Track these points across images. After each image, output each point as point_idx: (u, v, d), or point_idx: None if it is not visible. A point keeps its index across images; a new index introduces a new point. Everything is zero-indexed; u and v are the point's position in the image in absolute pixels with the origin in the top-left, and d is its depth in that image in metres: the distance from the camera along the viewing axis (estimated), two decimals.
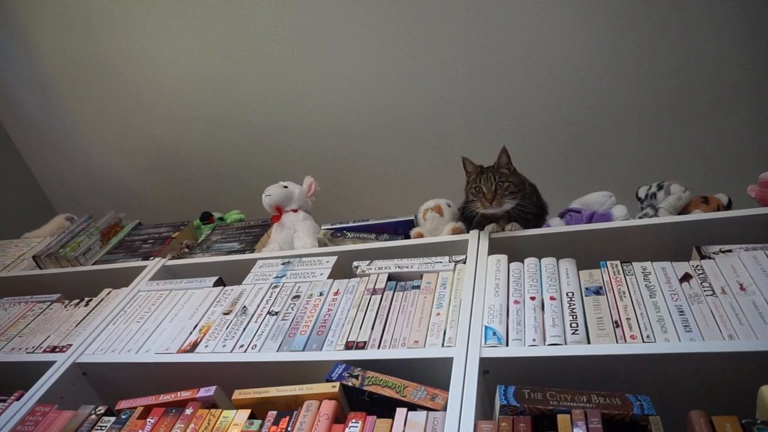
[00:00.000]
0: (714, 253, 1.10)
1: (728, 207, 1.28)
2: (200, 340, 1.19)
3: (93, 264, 1.70)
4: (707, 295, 0.98)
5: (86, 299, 1.47)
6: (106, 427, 1.03)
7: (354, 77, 2.07)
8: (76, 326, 1.36)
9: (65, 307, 1.47)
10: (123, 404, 1.08)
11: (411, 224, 1.46)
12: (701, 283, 1.01)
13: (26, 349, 1.32)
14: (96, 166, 2.53)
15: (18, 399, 1.15)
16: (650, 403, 0.81)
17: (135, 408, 1.05)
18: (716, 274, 1.02)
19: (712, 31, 1.76)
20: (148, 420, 1.01)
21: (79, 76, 2.29)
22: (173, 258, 1.58)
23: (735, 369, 0.85)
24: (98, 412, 1.06)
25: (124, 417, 1.04)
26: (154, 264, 1.54)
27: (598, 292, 1.05)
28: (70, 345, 1.28)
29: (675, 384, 0.87)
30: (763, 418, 0.74)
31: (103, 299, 1.45)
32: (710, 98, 1.88)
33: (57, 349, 1.29)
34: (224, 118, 2.26)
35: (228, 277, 1.42)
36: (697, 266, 1.05)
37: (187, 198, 2.40)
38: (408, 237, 1.41)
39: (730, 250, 1.09)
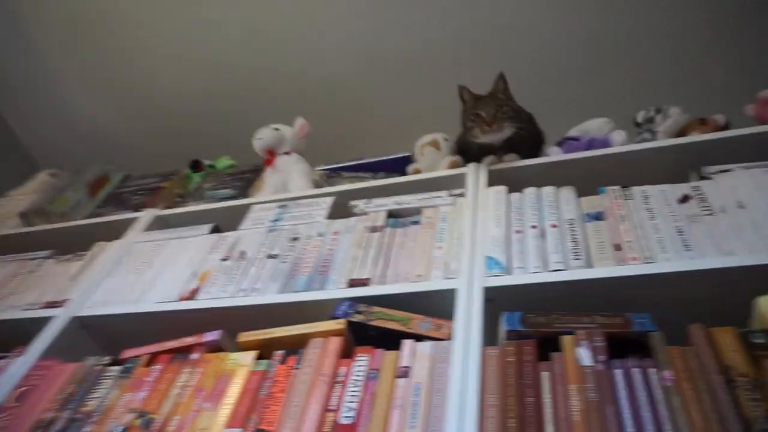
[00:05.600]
0: (713, 173, 1.09)
1: (726, 128, 1.27)
2: (200, 287, 1.18)
3: (83, 218, 1.66)
4: (706, 215, 0.98)
5: (79, 254, 1.45)
6: (112, 376, 1.03)
7: (341, 11, 2.00)
8: (72, 281, 1.34)
9: (58, 262, 1.45)
10: (127, 353, 1.07)
11: (408, 160, 1.44)
12: (700, 203, 1.01)
13: (22, 306, 1.30)
14: (77, 118, 2.46)
15: (19, 355, 1.14)
16: (651, 320, 0.82)
17: (140, 356, 1.05)
18: (715, 194, 1.02)
19: None
20: (154, 367, 1.01)
21: (57, 27, 2.19)
22: (166, 208, 1.56)
23: (733, 283, 0.86)
24: (103, 363, 1.06)
25: (129, 365, 1.03)
26: (147, 215, 1.51)
27: (598, 217, 1.05)
28: (68, 299, 1.26)
29: (677, 302, 0.88)
30: (760, 326, 0.76)
31: (97, 253, 1.43)
32: (706, 24, 1.85)
33: (55, 305, 1.27)
34: (207, 60, 2.19)
35: (223, 224, 1.40)
36: (695, 187, 1.05)
37: (173, 147, 2.32)
38: (405, 174, 1.39)
39: (728, 170, 1.08)
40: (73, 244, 1.49)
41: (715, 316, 0.77)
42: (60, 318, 1.20)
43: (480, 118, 1.26)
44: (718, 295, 0.87)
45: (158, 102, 2.36)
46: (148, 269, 1.29)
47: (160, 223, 1.50)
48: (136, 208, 1.61)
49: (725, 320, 0.77)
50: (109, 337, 1.20)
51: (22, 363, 1.10)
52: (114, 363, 1.06)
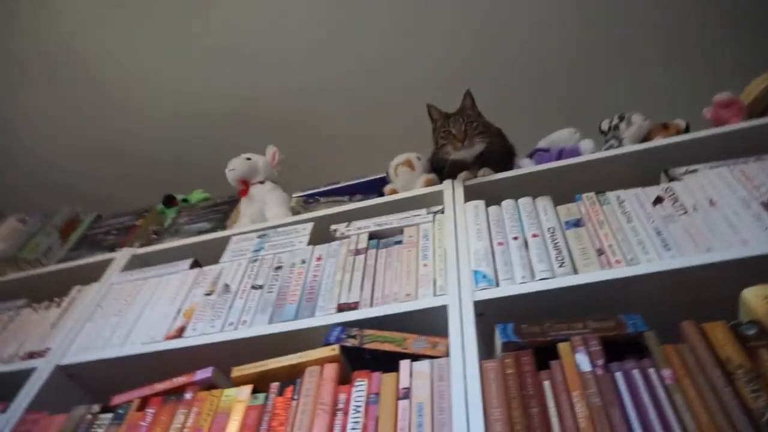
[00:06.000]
0: (681, 174, 1.14)
1: (686, 131, 1.32)
2: (186, 324, 1.16)
3: (56, 263, 1.62)
4: (680, 214, 1.02)
5: (56, 300, 1.41)
6: (104, 424, 1.00)
7: (308, 40, 2.02)
8: (52, 329, 1.30)
9: (35, 310, 1.40)
10: (117, 399, 1.05)
11: (383, 181, 1.45)
12: (673, 204, 1.05)
13: (1, 359, 1.26)
14: (41, 162, 2.39)
15: (3, 411, 1.10)
16: (642, 321, 0.84)
17: (131, 401, 1.02)
18: (686, 194, 1.06)
19: None
20: (147, 411, 0.99)
21: (9, 68, 2.14)
22: (142, 246, 1.53)
23: (715, 278, 0.89)
24: (93, 411, 1.03)
25: (121, 412, 1.01)
26: (123, 255, 1.48)
27: (577, 224, 1.08)
28: (49, 349, 1.23)
29: (663, 300, 0.91)
30: (748, 318, 0.78)
31: (75, 298, 1.39)
32: (666, 36, 1.96)
33: (35, 355, 1.23)
34: (175, 92, 2.18)
35: (203, 258, 1.38)
36: (667, 188, 1.09)
37: (144, 183, 2.30)
38: (382, 195, 1.40)
39: (695, 170, 1.13)
40: (49, 291, 1.45)
41: (701, 311, 0.80)
42: (43, 368, 1.17)
43: (451, 136, 1.28)
44: (702, 291, 0.90)
45: (125, 140, 2.32)
46: (130, 310, 1.26)
47: (137, 262, 1.47)
48: (112, 249, 1.58)
49: (711, 315, 0.79)
50: (96, 384, 1.17)
51: (6, 420, 1.06)
52: (105, 410, 1.03)
